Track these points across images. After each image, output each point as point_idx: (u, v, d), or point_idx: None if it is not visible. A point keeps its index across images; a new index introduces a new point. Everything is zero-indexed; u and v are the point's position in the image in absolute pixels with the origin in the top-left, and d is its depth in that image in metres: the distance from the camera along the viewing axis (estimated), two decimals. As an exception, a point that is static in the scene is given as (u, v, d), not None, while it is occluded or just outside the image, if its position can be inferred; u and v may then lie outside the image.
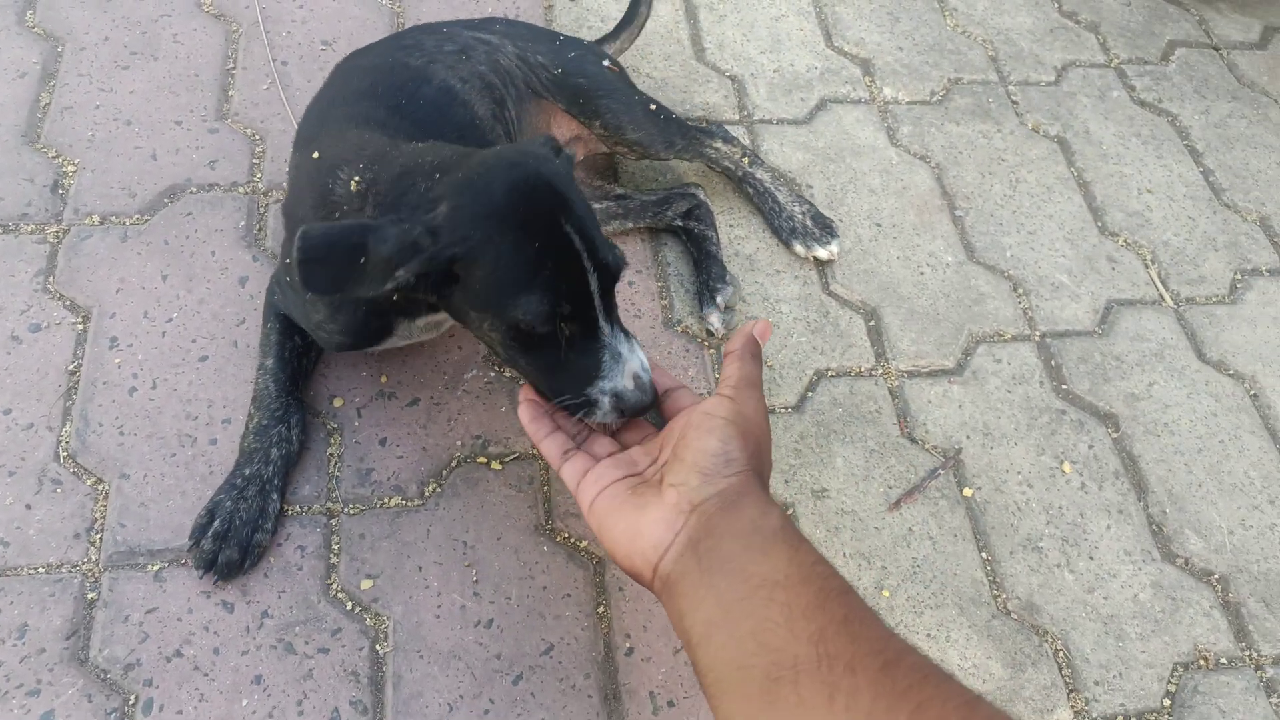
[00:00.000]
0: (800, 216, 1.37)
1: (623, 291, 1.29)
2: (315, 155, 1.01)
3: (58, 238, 1.23)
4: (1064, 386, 1.29)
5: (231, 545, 0.99)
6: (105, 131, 1.34)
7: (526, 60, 1.24)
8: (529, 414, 0.93)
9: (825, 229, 1.37)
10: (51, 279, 1.19)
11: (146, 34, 1.45)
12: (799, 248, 1.36)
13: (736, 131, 1.48)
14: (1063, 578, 1.13)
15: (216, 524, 1.00)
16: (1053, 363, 1.31)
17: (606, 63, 1.29)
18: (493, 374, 1.20)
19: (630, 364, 0.89)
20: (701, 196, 1.36)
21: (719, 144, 1.38)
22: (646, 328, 1.26)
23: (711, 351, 1.25)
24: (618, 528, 0.80)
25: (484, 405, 1.17)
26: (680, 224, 1.34)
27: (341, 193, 0.94)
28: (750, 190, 1.40)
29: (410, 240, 0.82)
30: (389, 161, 0.92)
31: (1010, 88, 1.65)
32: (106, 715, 0.92)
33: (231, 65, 1.44)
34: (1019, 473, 1.21)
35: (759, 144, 1.48)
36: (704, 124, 1.43)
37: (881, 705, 0.62)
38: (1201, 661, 1.09)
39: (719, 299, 1.26)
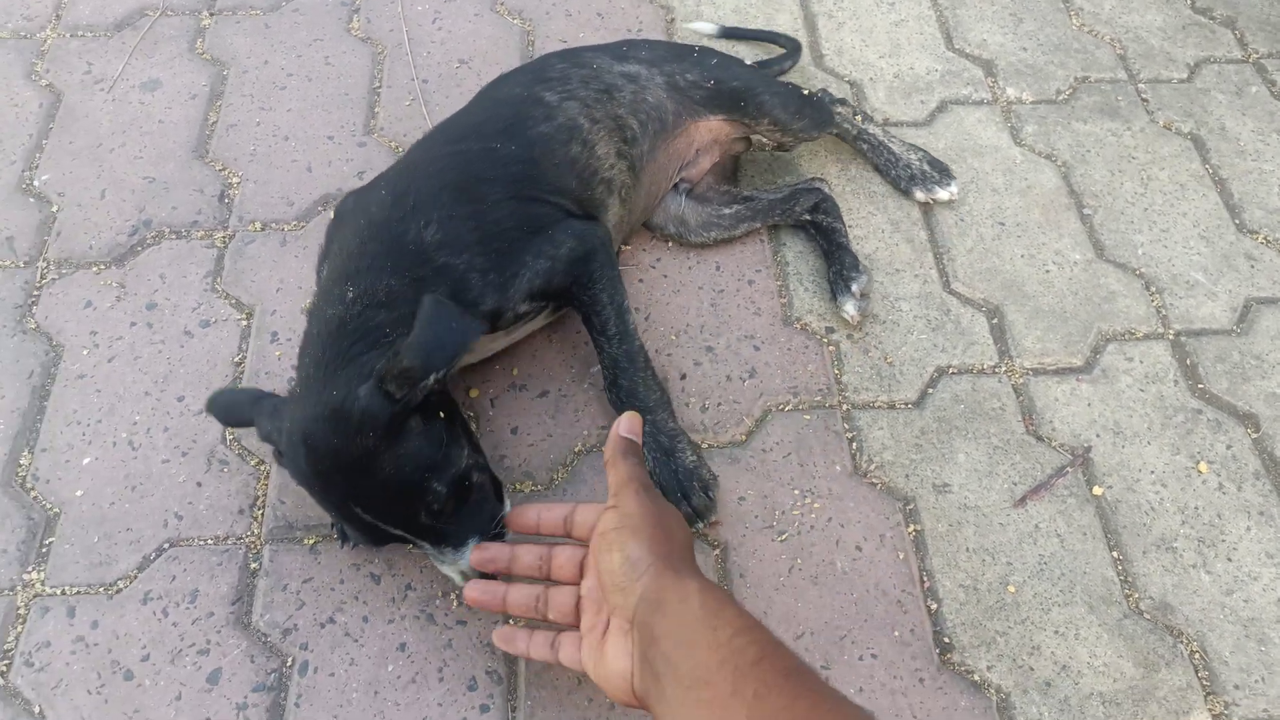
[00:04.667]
0: (917, 163, 1.42)
1: (742, 290, 1.32)
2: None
3: (224, 243, 1.34)
4: (1200, 386, 1.26)
5: None
6: (266, 146, 1.45)
7: (676, 85, 1.28)
8: (503, 639, 0.96)
9: (943, 172, 1.42)
10: (219, 280, 1.30)
11: (301, 57, 1.57)
12: (919, 194, 1.40)
13: (856, 135, 1.50)
14: (1199, 579, 1.10)
15: None
16: (1188, 361, 1.28)
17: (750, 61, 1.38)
18: (618, 368, 1.24)
19: (458, 565, 0.97)
20: (826, 190, 1.37)
21: (839, 108, 1.44)
22: (766, 325, 1.29)
23: (831, 348, 1.27)
24: (598, 675, 0.83)
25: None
26: (809, 218, 1.35)
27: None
28: (865, 146, 1.44)
29: (271, 440, 1.00)
30: (309, 340, 1.03)
31: (1140, 85, 1.61)
32: (267, 675, 1.00)
33: (377, 84, 1.54)
34: (1152, 472, 1.18)
35: (878, 147, 1.49)
36: (817, 93, 1.45)
37: None
38: (1354, 670, 1.04)
39: (854, 287, 1.27)
